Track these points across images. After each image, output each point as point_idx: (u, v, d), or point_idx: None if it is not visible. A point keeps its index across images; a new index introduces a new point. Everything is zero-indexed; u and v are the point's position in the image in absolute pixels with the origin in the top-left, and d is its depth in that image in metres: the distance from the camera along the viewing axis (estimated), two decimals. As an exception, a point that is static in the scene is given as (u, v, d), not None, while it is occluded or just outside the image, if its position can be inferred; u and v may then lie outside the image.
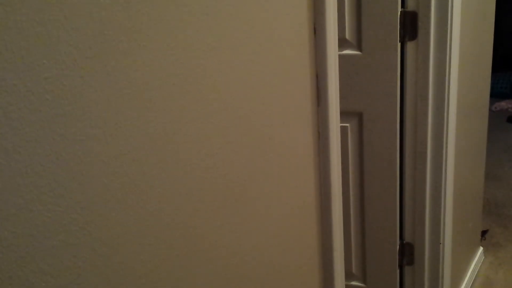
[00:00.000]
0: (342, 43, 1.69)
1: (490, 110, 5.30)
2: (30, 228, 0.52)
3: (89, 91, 0.57)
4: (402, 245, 1.86)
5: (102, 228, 0.61)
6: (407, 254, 1.85)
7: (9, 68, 0.48)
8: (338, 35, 1.69)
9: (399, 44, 1.62)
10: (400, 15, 1.59)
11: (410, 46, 1.62)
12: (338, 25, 1.68)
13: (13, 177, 0.50)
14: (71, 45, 0.54)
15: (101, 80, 0.58)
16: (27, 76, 0.50)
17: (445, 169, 1.69)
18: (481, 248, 2.43)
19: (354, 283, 2.00)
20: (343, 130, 1.80)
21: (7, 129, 0.49)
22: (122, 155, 0.62)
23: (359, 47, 1.68)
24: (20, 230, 0.51)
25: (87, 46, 0.56)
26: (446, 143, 1.66)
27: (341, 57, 1.71)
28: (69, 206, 0.56)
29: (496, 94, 5.64)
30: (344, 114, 1.77)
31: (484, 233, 2.63)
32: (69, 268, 0.57)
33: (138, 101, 0.64)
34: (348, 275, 1.99)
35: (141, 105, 0.64)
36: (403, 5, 1.60)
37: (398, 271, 1.88)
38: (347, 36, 1.69)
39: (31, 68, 0.50)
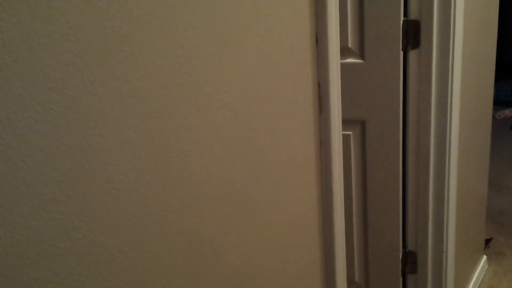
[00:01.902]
0: (345, 51, 1.70)
1: (493, 118, 5.29)
2: (34, 235, 0.53)
3: (93, 100, 0.58)
4: (405, 253, 1.85)
5: (105, 235, 0.62)
6: (410, 262, 1.85)
7: (14, 77, 0.49)
8: (341, 44, 1.70)
9: (401, 53, 1.63)
10: (402, 24, 1.60)
11: (412, 54, 1.63)
12: (341, 33, 1.69)
13: (17, 185, 0.51)
14: (76, 55, 0.55)
15: (105, 89, 0.59)
16: (32, 86, 0.51)
17: (448, 177, 1.69)
18: (484, 257, 2.42)
19: (357, 291, 1.99)
20: (346, 138, 1.80)
21: (12, 138, 0.50)
22: (125, 163, 0.63)
23: (362, 55, 1.69)
24: (24, 237, 0.52)
25: (92, 56, 0.57)
26: (449, 151, 1.66)
27: (344, 65, 1.71)
28: (72, 213, 0.57)
29: (500, 102, 5.63)
30: (347, 122, 1.77)
31: (487, 241, 2.61)
32: (73, 275, 0.58)
33: (142, 109, 0.64)
34: (351, 284, 1.98)
35: (144, 114, 0.65)
36: (405, 14, 1.61)
37: (401, 279, 1.88)
38: (350, 44, 1.69)
39: (36, 78, 0.51)
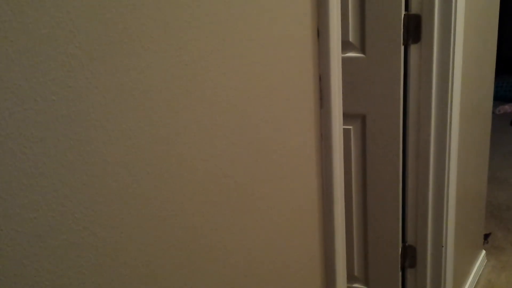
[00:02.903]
0: (346, 45, 1.70)
1: (493, 113, 5.29)
2: (34, 227, 0.53)
3: (94, 93, 0.57)
4: (404, 247, 1.85)
5: (105, 228, 0.61)
6: (409, 256, 1.85)
7: (15, 69, 0.49)
8: (342, 38, 1.69)
9: (402, 47, 1.62)
10: (403, 18, 1.59)
11: (413, 49, 1.62)
12: (342, 28, 1.68)
13: (18, 177, 0.50)
14: (77, 47, 0.55)
15: (106, 82, 0.59)
16: (33, 78, 0.50)
17: (448, 172, 1.69)
18: (483, 252, 2.43)
19: (356, 285, 2.00)
20: (346, 133, 1.80)
21: (12, 129, 0.49)
22: (126, 155, 0.63)
23: (362, 49, 1.69)
24: (25, 229, 0.52)
25: (93, 48, 0.56)
26: (449, 146, 1.66)
27: (345, 59, 1.71)
28: (73, 206, 0.57)
29: (500, 97, 5.63)
30: (347, 117, 1.77)
31: (486, 236, 2.62)
32: (73, 267, 0.58)
33: (142, 102, 0.64)
34: (350, 278, 1.99)
35: (145, 107, 0.65)
36: (406, 8, 1.60)
37: (400, 273, 1.88)
38: (351, 38, 1.69)
39: (37, 70, 0.51)
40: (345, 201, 1.89)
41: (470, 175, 2.03)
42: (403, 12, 1.59)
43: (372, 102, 1.72)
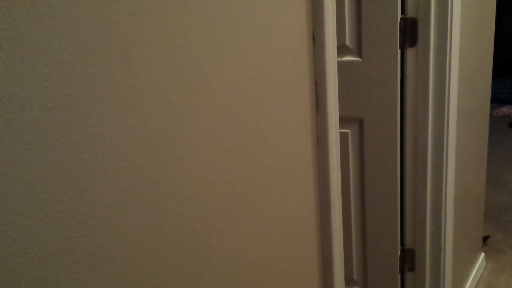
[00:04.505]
0: (343, 49, 1.70)
1: (491, 115, 5.30)
2: (30, 234, 0.53)
3: (89, 99, 0.58)
4: (403, 251, 1.86)
5: (102, 234, 0.62)
6: (408, 260, 1.85)
7: (10, 77, 0.49)
8: (339, 42, 1.70)
9: (399, 51, 1.63)
10: (400, 22, 1.60)
11: (410, 52, 1.63)
12: (338, 31, 1.69)
13: (14, 184, 0.51)
14: (72, 54, 0.55)
15: (101, 88, 0.59)
16: (28, 85, 0.51)
17: (446, 175, 1.69)
18: (482, 254, 2.43)
19: (355, 289, 2.00)
20: (344, 136, 1.80)
21: (8, 137, 0.50)
22: (122, 161, 0.63)
23: (359, 53, 1.69)
24: (21, 236, 0.52)
25: (88, 55, 0.57)
26: (447, 148, 1.66)
27: (341, 63, 1.71)
28: (69, 212, 0.57)
29: (498, 99, 5.65)
30: (345, 120, 1.78)
31: (485, 238, 2.62)
32: (70, 274, 0.58)
33: (138, 108, 0.64)
34: (349, 281, 1.99)
35: (141, 112, 0.65)
36: (403, 12, 1.61)
37: (399, 277, 1.88)
38: (348, 42, 1.70)
39: (32, 77, 0.51)
40: (343, 205, 1.90)
41: (468, 177, 2.03)
42: (399, 16, 1.59)
43: (369, 105, 1.72)
